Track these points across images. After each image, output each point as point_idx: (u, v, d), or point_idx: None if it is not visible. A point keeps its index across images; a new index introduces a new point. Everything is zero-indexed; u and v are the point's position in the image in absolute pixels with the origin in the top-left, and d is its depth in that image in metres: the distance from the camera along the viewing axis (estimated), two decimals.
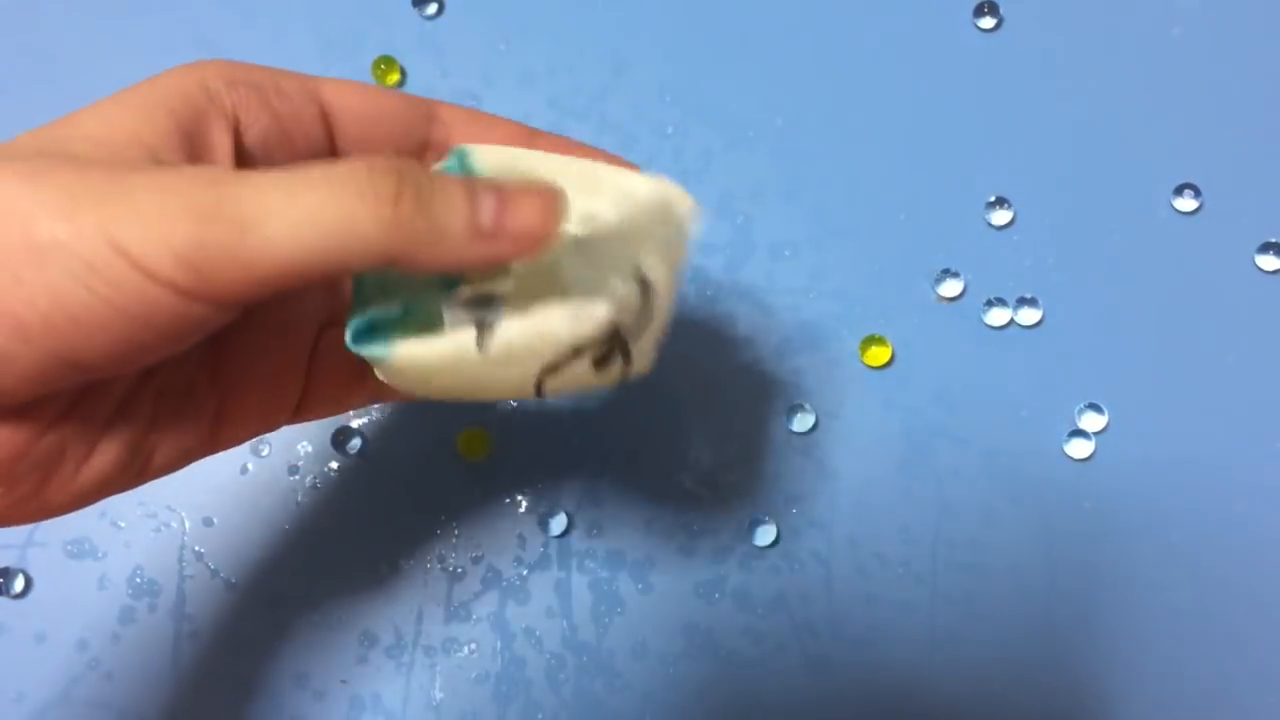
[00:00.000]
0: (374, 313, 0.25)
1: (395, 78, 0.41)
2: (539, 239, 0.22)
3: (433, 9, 0.43)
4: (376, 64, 0.41)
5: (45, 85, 0.42)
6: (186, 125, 0.23)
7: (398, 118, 0.27)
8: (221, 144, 0.24)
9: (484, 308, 0.24)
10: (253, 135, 0.25)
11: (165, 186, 0.20)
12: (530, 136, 0.29)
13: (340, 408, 0.30)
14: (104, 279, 0.19)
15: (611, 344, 0.26)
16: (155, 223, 0.19)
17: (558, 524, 0.38)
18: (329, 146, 0.27)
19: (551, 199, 0.22)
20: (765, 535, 0.38)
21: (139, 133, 0.22)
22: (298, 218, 0.20)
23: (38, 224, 0.19)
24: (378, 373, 0.26)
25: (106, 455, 0.23)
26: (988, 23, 0.42)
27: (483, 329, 0.24)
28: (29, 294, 0.19)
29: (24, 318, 0.19)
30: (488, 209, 0.22)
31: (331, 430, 0.39)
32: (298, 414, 0.29)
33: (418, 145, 0.28)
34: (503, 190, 0.22)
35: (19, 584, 0.38)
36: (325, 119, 0.26)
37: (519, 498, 0.39)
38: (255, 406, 0.27)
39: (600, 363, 0.26)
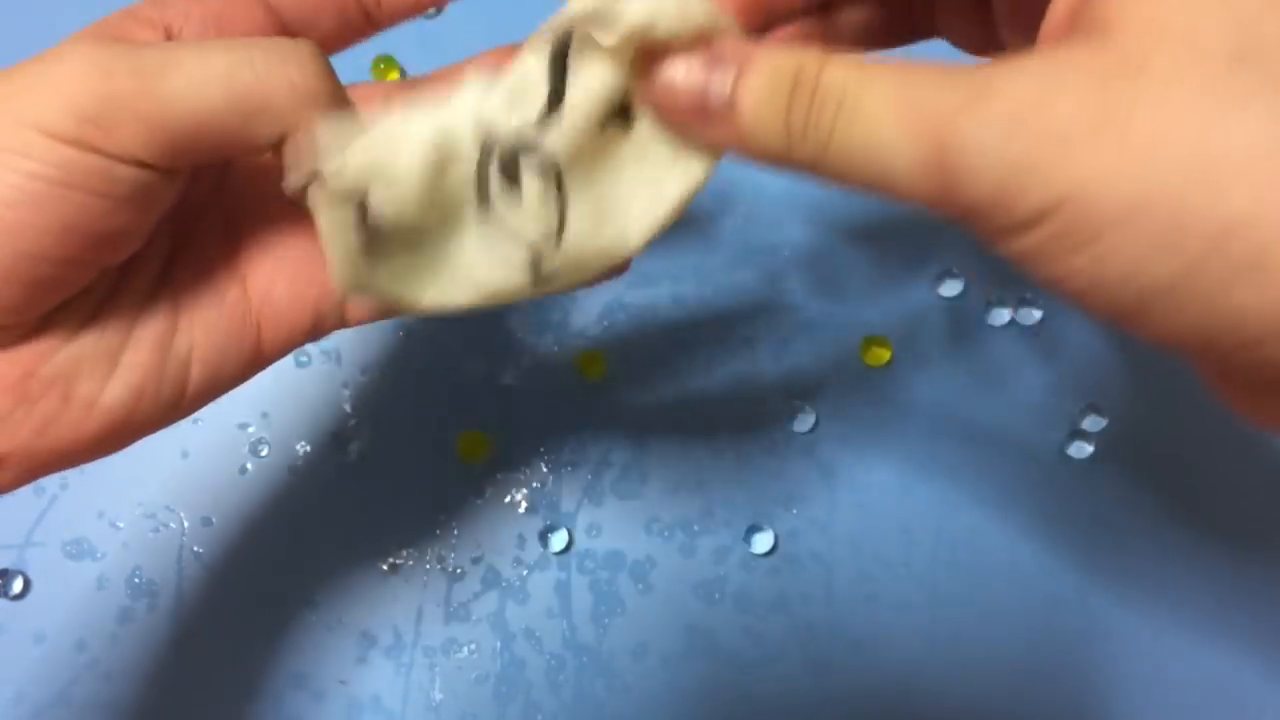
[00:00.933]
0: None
1: (394, 76, 0.41)
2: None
3: (432, 9, 0.43)
4: (376, 63, 0.41)
5: None
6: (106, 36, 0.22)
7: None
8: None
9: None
10: (187, 35, 0.23)
11: (64, 52, 0.20)
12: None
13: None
14: (16, 152, 0.20)
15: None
16: (55, 86, 0.20)
17: (559, 540, 0.38)
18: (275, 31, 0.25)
19: None
20: (762, 543, 0.38)
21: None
22: (207, 74, 0.21)
23: None
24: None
25: (133, 367, 0.23)
26: None
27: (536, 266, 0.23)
28: None
29: None
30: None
31: (331, 430, 0.39)
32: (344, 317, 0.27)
33: (360, 18, 0.26)
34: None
35: (18, 585, 0.38)
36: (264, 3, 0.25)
37: (519, 499, 0.39)
38: (291, 300, 0.26)
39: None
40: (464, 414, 0.39)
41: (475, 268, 0.23)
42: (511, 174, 0.22)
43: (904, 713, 0.37)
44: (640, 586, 0.38)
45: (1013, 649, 0.37)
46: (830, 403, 0.39)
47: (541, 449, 0.39)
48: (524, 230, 0.23)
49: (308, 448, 0.39)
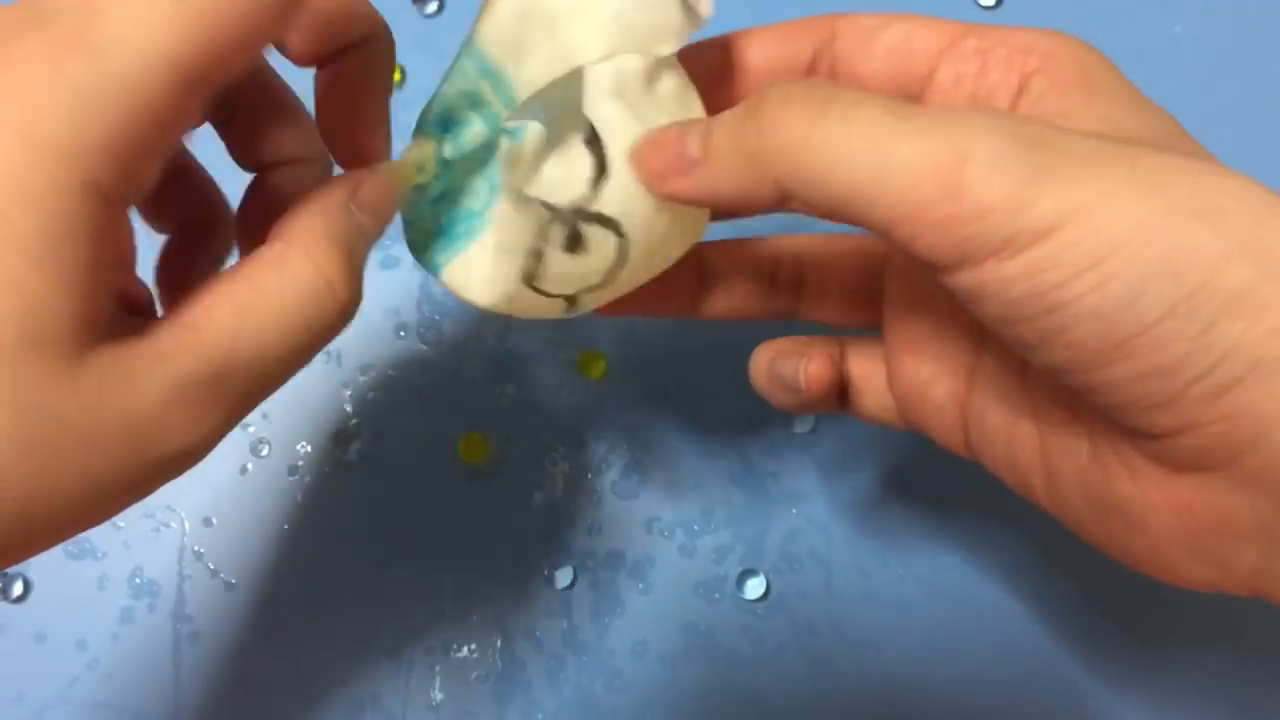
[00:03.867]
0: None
1: (395, 77, 0.41)
2: None
3: (433, 8, 0.43)
4: None
5: None
6: (102, 250, 0.19)
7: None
8: (127, 236, 0.21)
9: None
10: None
11: None
12: None
13: None
14: None
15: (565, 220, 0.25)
16: None
17: (564, 576, 0.38)
18: None
19: None
20: (754, 589, 0.38)
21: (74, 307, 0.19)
22: None
23: None
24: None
25: None
26: (988, 1, 0.43)
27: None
28: None
29: None
30: None
31: (331, 430, 0.39)
32: None
33: None
34: None
35: (18, 588, 0.38)
36: None
37: (519, 499, 0.39)
38: None
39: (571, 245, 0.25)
40: (464, 414, 0.39)
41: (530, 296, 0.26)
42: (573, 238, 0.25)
43: (904, 713, 0.37)
44: (640, 586, 0.38)
45: (1013, 649, 0.37)
46: None
47: (541, 449, 0.39)
48: (583, 271, 0.25)
49: (308, 448, 0.39)
